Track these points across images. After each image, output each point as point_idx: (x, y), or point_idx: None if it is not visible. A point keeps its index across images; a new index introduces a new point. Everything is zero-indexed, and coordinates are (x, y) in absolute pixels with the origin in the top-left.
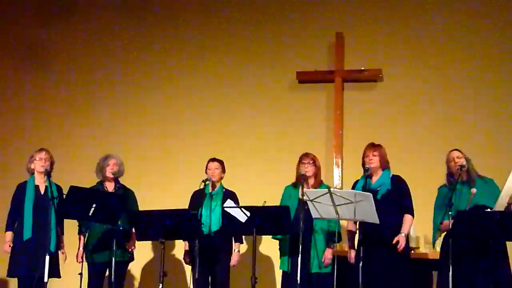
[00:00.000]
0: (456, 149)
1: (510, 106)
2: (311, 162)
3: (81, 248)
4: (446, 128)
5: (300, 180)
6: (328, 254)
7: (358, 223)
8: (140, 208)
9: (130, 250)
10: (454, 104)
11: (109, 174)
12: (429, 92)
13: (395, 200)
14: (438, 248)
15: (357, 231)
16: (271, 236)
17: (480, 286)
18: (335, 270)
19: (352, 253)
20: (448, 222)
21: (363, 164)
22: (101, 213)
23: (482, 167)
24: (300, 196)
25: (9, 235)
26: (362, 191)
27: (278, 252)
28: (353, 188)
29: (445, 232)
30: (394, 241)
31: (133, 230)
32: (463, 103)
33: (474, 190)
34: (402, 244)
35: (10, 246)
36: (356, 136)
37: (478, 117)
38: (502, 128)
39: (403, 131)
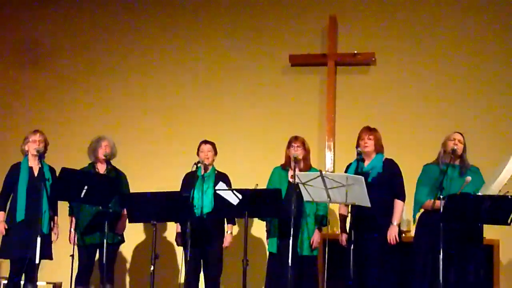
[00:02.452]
0: (460, 133)
1: (507, 90)
2: (300, 145)
3: (72, 230)
4: (439, 112)
5: (289, 163)
6: (317, 236)
7: (350, 206)
8: (132, 191)
9: (119, 233)
10: (447, 88)
11: (101, 156)
12: (422, 76)
13: (386, 184)
14: None
15: (349, 215)
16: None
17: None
18: (326, 253)
19: (344, 236)
20: (431, 202)
21: (357, 147)
22: (93, 195)
23: (476, 152)
24: (290, 179)
25: (1, 215)
26: (354, 174)
27: (266, 234)
28: (346, 171)
29: (423, 210)
30: (388, 238)
31: (124, 212)
32: (456, 87)
33: (468, 178)
34: (393, 236)
35: (5, 227)
36: (349, 120)
37: (472, 101)
38: (497, 113)
39: (395, 115)
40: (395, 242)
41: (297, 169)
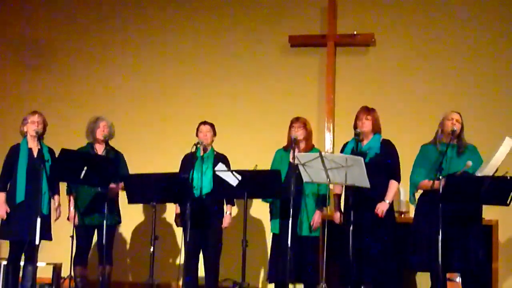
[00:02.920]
0: (457, 112)
1: (506, 70)
2: (301, 126)
3: (72, 209)
4: (438, 93)
5: (291, 144)
6: (317, 217)
7: (344, 186)
8: (130, 172)
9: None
10: (446, 68)
11: (99, 136)
12: (422, 57)
13: (383, 164)
14: None
15: (343, 193)
16: (261, 199)
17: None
18: (325, 234)
19: (338, 215)
20: (428, 182)
21: (355, 127)
22: (93, 176)
23: (475, 132)
24: (291, 160)
25: (2, 196)
26: (351, 153)
27: (269, 215)
28: (342, 150)
29: (422, 192)
30: (376, 210)
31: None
32: (456, 68)
33: (469, 163)
34: (381, 210)
35: (7, 211)
36: (348, 101)
37: (471, 82)
38: (497, 93)
39: (395, 96)
40: (382, 216)
41: (297, 150)
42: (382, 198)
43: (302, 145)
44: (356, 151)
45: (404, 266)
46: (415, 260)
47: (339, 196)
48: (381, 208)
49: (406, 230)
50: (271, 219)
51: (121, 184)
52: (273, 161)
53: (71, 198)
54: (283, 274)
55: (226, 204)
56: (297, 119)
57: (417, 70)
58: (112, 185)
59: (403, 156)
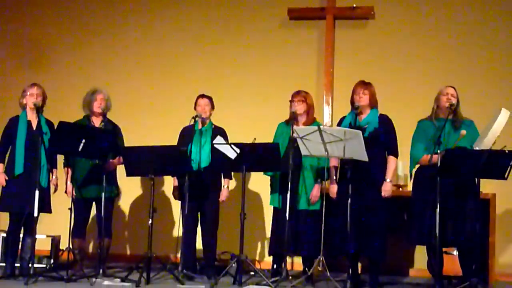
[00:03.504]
0: (452, 86)
1: (504, 44)
2: (302, 99)
3: (69, 182)
4: (437, 67)
5: (292, 118)
6: (316, 191)
7: (340, 159)
8: (129, 145)
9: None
10: (446, 42)
11: (97, 109)
12: (421, 30)
13: (381, 139)
14: None
15: (339, 167)
16: (263, 172)
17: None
18: (323, 207)
19: (334, 188)
20: (427, 157)
21: (352, 102)
22: (91, 148)
23: (474, 106)
24: (291, 134)
25: (1, 167)
26: (349, 128)
27: (268, 188)
28: (339, 124)
29: (417, 166)
30: (382, 193)
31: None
32: (455, 42)
33: (463, 131)
34: (388, 193)
35: (5, 178)
36: (347, 75)
37: (471, 56)
38: (495, 67)
39: (393, 69)
40: (390, 196)
41: (296, 124)
42: (380, 172)
43: (303, 118)
44: (353, 125)
45: (402, 240)
46: (413, 234)
47: (335, 169)
48: (386, 189)
49: (404, 203)
50: (271, 193)
51: (121, 158)
52: (275, 135)
53: (68, 170)
54: (281, 247)
55: (224, 178)
56: (297, 93)
57: (416, 43)
58: (112, 160)
59: (401, 131)
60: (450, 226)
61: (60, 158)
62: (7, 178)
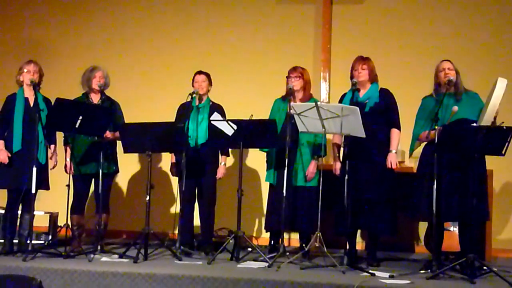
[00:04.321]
0: (447, 60)
1: (501, 15)
2: (299, 75)
3: (68, 159)
4: (435, 42)
5: (288, 94)
6: (312, 167)
7: (343, 135)
8: (126, 121)
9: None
10: (444, 17)
11: (95, 86)
12: (418, 5)
13: (383, 113)
14: None
15: (343, 144)
16: (259, 149)
17: (461, 199)
18: (321, 184)
19: (337, 165)
20: (426, 133)
21: (351, 78)
22: (88, 125)
23: (472, 79)
24: (288, 110)
25: (1, 143)
26: (350, 104)
27: (265, 165)
28: (340, 101)
29: (424, 143)
30: (388, 164)
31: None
32: (453, 17)
33: (455, 108)
34: (394, 163)
35: (8, 155)
36: (344, 51)
37: (470, 30)
38: (494, 41)
39: (391, 45)
40: (396, 167)
41: (293, 100)
42: (381, 147)
43: (300, 95)
44: (354, 102)
45: (405, 215)
46: (416, 210)
47: (338, 146)
48: (391, 159)
49: (402, 179)
50: (267, 169)
51: (116, 133)
52: (271, 111)
53: (68, 148)
54: (278, 224)
55: (221, 155)
56: (294, 69)
57: (414, 19)
58: (107, 133)
59: (399, 106)
60: (452, 202)
61: (60, 136)
62: (9, 155)
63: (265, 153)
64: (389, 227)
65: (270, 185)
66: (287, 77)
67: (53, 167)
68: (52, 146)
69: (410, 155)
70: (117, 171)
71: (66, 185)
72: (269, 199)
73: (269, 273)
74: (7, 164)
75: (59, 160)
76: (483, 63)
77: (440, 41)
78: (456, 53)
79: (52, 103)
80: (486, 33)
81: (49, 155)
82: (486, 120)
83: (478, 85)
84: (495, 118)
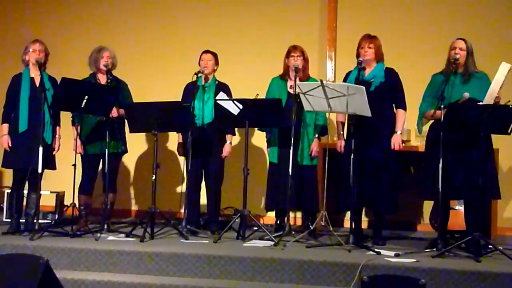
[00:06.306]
0: (461, 39)
1: None
2: (300, 54)
3: (78, 139)
4: (443, 21)
5: (288, 72)
6: (315, 146)
7: (347, 114)
8: (134, 101)
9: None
10: None
11: (102, 66)
12: None
13: (388, 93)
14: None
15: (346, 122)
16: (257, 128)
17: (468, 178)
18: (326, 162)
19: (341, 143)
20: (432, 111)
21: (357, 56)
22: (93, 104)
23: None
24: (289, 89)
25: (6, 127)
26: (355, 83)
27: (266, 144)
28: (345, 79)
29: (431, 121)
30: (392, 145)
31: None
32: None
33: (466, 94)
34: (398, 145)
35: (9, 142)
36: (350, 30)
37: (477, 9)
38: (504, 20)
39: (398, 24)
40: (399, 148)
41: (297, 79)
42: (386, 127)
43: (299, 74)
44: (359, 80)
45: (410, 193)
46: (422, 188)
47: (342, 124)
48: (396, 141)
49: (407, 158)
50: (268, 147)
51: (121, 110)
52: (269, 88)
53: (76, 129)
54: (283, 202)
55: (227, 134)
56: (295, 48)
57: None
58: (113, 111)
59: (406, 86)
60: (458, 180)
61: (68, 116)
62: (10, 145)
63: (264, 133)
64: (390, 205)
65: (270, 163)
66: (287, 56)
67: (57, 150)
68: (57, 127)
69: (420, 132)
70: (125, 151)
71: (72, 165)
72: (269, 178)
73: (275, 251)
74: (13, 144)
75: (68, 140)
76: (492, 44)
77: (449, 20)
78: (464, 32)
79: (58, 83)
80: (497, 12)
81: (57, 136)
82: (488, 100)
83: (487, 65)
84: (497, 97)
